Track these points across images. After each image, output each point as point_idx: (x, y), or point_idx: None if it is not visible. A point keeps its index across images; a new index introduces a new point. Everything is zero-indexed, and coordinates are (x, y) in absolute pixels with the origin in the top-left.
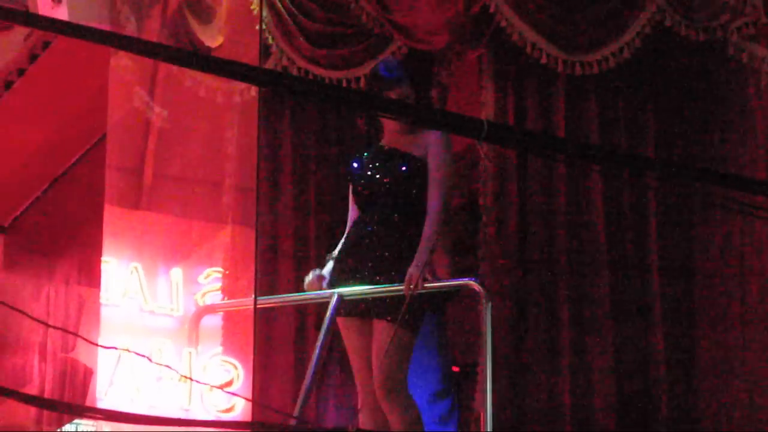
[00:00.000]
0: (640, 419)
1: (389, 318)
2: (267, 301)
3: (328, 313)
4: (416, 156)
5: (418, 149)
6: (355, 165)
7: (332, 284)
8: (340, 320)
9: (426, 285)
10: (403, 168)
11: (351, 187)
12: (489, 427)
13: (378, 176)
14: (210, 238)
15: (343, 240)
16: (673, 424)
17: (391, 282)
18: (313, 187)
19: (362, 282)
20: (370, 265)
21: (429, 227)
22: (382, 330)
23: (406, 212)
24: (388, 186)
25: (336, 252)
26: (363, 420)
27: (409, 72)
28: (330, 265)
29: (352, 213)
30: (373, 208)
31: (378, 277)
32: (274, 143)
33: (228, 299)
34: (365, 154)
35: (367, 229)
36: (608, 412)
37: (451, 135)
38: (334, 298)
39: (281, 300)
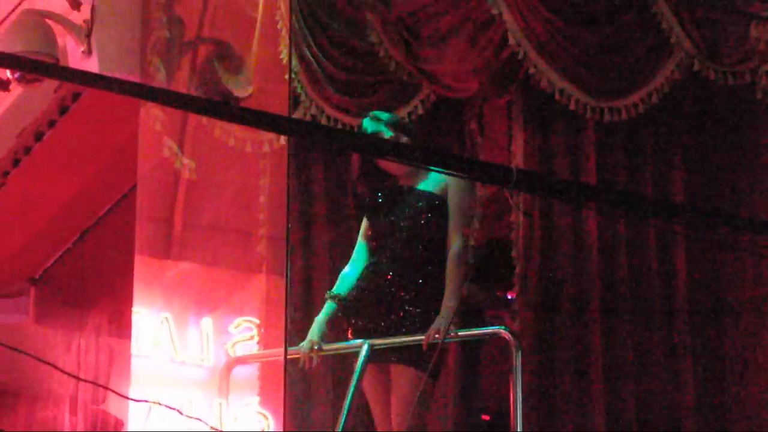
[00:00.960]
0: None
1: (415, 366)
2: (298, 351)
3: (359, 362)
4: (434, 193)
5: (436, 187)
6: (369, 203)
7: (356, 335)
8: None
9: (459, 333)
10: (420, 204)
11: (366, 225)
12: None
13: (394, 216)
14: (241, 288)
15: (354, 288)
16: None
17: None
18: (346, 234)
19: (387, 334)
20: (393, 317)
21: (452, 272)
22: (405, 377)
23: (424, 255)
24: (406, 227)
25: (346, 297)
26: None
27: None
28: (324, 319)
29: (361, 253)
30: (389, 251)
31: (404, 329)
32: (306, 191)
33: (263, 349)
34: (378, 193)
35: (386, 278)
36: None
37: None
38: (365, 348)
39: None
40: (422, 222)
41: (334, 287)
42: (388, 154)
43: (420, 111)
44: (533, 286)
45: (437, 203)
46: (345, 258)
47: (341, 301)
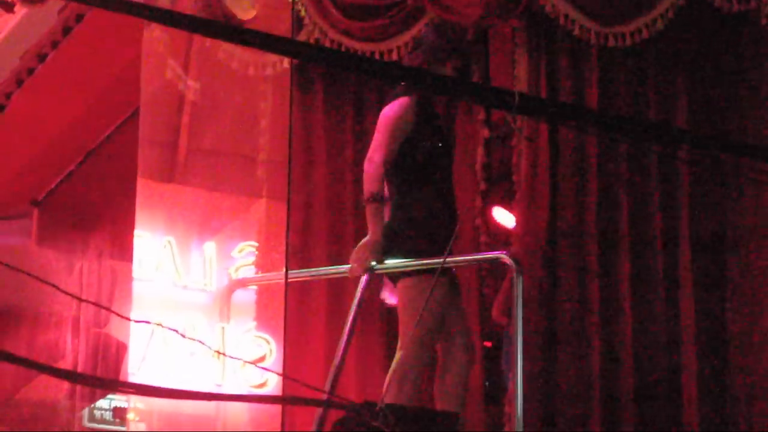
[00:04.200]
0: (669, 397)
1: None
2: (299, 275)
3: (359, 288)
4: None
5: None
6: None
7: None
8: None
9: (458, 258)
10: None
11: (436, 158)
12: (519, 402)
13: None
14: (243, 212)
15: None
16: (702, 401)
17: None
18: (347, 160)
19: None
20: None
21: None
22: (404, 286)
23: None
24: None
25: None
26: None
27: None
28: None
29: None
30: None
31: None
32: (307, 116)
33: (261, 273)
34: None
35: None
36: (637, 389)
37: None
38: (365, 274)
39: (313, 274)
40: None
41: None
42: (392, 78)
43: None
44: (535, 211)
45: None
46: (343, 183)
47: None
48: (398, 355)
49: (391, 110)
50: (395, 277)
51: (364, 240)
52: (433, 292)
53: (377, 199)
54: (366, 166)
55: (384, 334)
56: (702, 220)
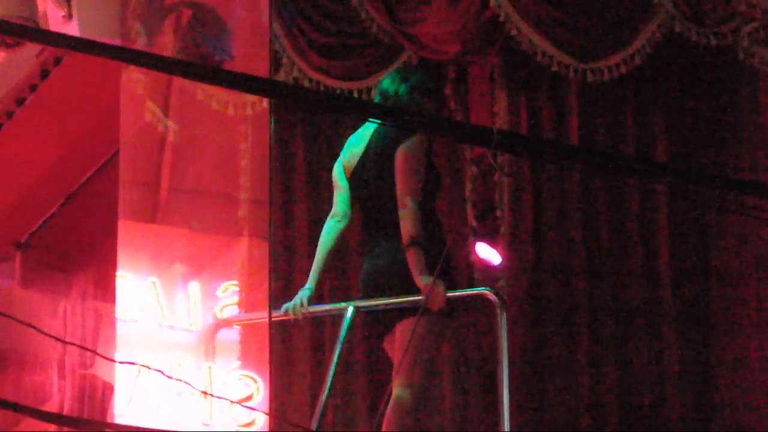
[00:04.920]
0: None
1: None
2: (282, 314)
3: (344, 325)
4: None
5: None
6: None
7: None
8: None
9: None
10: None
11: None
12: None
13: None
14: (227, 252)
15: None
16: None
17: None
18: (327, 198)
19: None
20: None
21: None
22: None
23: None
24: None
25: None
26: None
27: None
28: None
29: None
30: None
31: None
32: (287, 154)
33: (245, 313)
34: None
35: None
36: (623, 421)
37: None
38: (350, 310)
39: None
40: None
41: None
42: (371, 116)
43: None
44: (518, 247)
45: None
46: (324, 221)
47: None
48: (396, 393)
49: (412, 148)
50: (393, 317)
51: (424, 281)
52: (444, 333)
53: (420, 242)
54: (401, 211)
55: (369, 372)
56: (685, 254)
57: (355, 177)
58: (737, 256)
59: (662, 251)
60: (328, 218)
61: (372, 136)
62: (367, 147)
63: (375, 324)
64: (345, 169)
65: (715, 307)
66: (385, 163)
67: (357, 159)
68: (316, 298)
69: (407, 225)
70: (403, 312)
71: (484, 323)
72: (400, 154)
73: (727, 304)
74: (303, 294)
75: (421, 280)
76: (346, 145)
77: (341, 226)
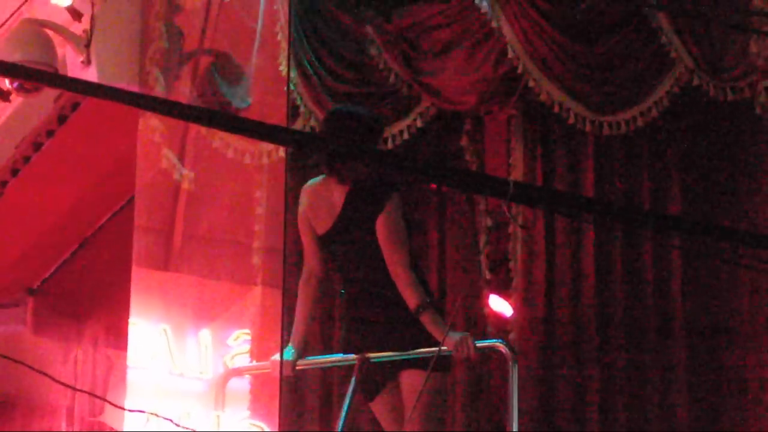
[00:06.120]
0: None
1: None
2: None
3: (353, 377)
4: None
5: None
6: None
7: None
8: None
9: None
10: None
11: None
12: None
13: None
14: (239, 300)
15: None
16: None
17: None
18: None
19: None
20: None
21: None
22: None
23: None
24: None
25: None
26: None
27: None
28: None
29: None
30: None
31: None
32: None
33: (256, 362)
34: None
35: None
36: None
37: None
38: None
39: (307, 363)
40: None
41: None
42: (387, 166)
43: (419, 124)
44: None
45: None
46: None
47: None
48: None
49: (395, 217)
50: (395, 368)
51: (454, 338)
52: (446, 387)
53: (431, 304)
54: (397, 280)
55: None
56: (697, 308)
57: (327, 238)
58: (751, 310)
59: (676, 305)
60: (303, 276)
61: (345, 200)
62: (343, 210)
63: (366, 383)
64: (314, 226)
65: (726, 362)
66: (364, 228)
67: (331, 221)
68: (319, 349)
69: (410, 294)
70: (402, 363)
71: (495, 374)
72: (382, 225)
73: (738, 360)
74: (286, 356)
75: (451, 338)
76: (306, 200)
77: (317, 286)
